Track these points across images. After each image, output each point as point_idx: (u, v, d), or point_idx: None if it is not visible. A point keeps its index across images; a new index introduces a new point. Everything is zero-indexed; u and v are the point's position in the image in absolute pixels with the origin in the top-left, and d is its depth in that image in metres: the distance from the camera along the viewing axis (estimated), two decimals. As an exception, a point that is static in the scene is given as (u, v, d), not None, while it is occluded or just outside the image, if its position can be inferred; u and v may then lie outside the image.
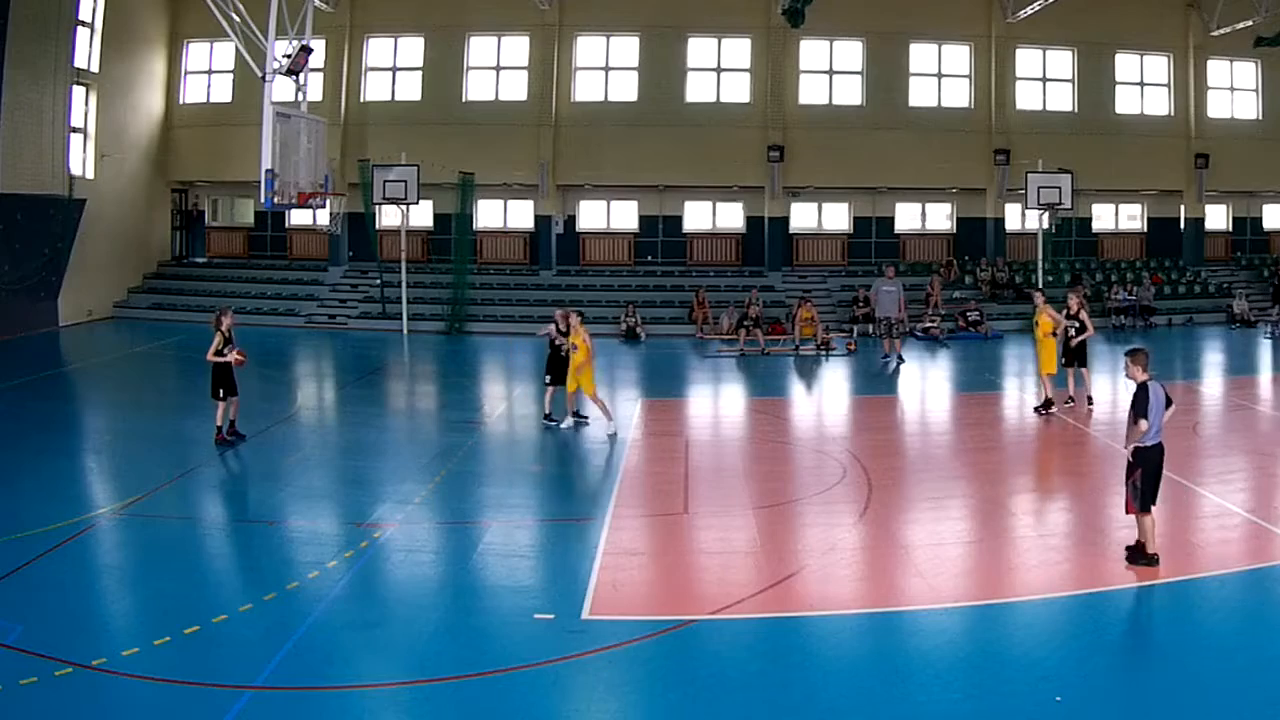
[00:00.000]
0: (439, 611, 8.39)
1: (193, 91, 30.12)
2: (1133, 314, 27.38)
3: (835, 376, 20.94)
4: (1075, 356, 15.92)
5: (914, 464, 13.46)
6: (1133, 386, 8.92)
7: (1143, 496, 8.74)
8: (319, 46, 22.51)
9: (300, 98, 18.43)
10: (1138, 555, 8.89)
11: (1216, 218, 31.92)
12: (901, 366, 21.20)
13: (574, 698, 6.93)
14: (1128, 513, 8.93)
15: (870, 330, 24.65)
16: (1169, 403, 8.91)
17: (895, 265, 25.60)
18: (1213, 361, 23.23)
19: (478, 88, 29.57)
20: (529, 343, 25.22)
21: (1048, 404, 15.62)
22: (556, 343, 15.01)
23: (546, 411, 15.16)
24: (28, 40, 22.65)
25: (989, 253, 30.01)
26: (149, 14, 28.58)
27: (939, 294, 26.93)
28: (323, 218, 29.17)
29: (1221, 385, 19.66)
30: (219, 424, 13.55)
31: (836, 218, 31.23)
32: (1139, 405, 8.69)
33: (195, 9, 25.55)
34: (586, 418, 15.10)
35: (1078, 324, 15.80)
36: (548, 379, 15.17)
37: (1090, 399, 16.09)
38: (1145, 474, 8.73)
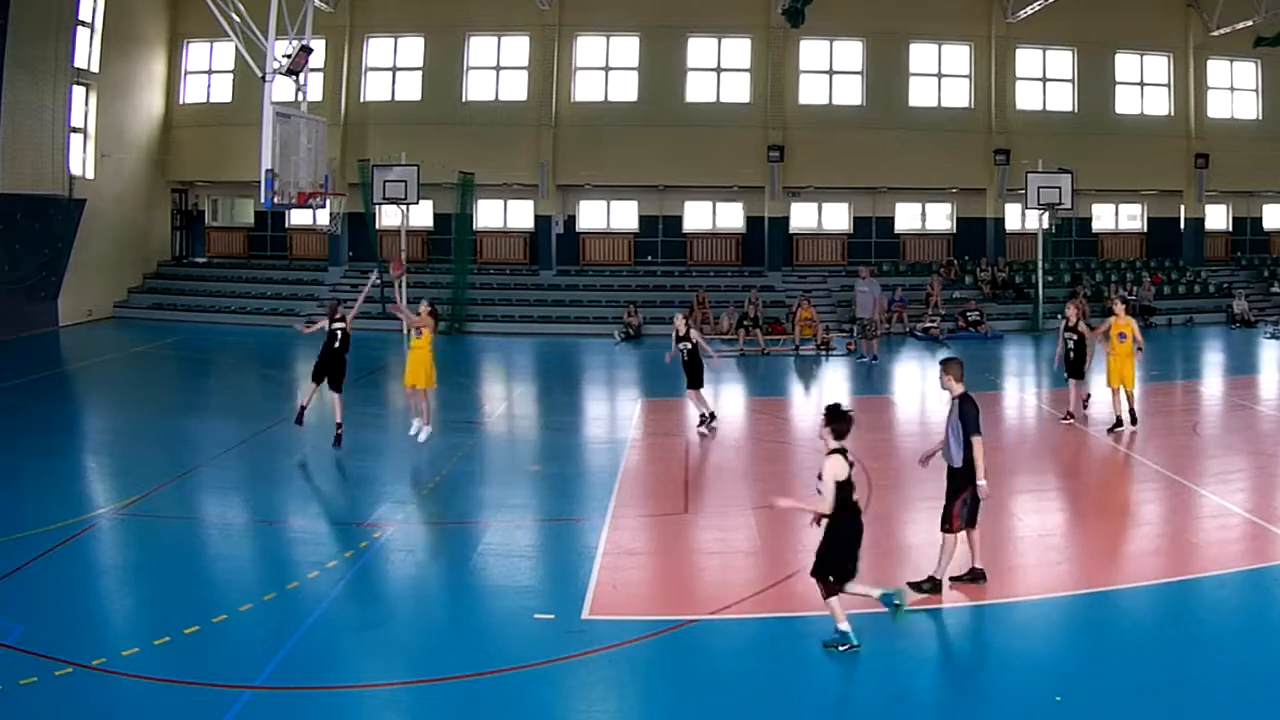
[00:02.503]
0: (439, 611, 8.40)
1: (193, 91, 30.11)
2: (1133, 314, 27.33)
3: (835, 377, 20.93)
4: (1073, 369, 14.96)
5: (914, 464, 13.39)
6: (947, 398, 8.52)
7: (969, 513, 8.37)
8: (319, 46, 22.49)
9: (300, 98, 18.42)
10: (973, 576, 8.55)
11: (1216, 218, 31.90)
12: (874, 366, 21.25)
13: (574, 698, 6.93)
14: (951, 530, 8.37)
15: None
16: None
17: (871, 266, 25.30)
18: (1213, 361, 23.24)
19: (478, 88, 29.56)
20: (527, 343, 25.23)
21: (1133, 418, 14.29)
22: (689, 345, 15.04)
23: (704, 413, 15.05)
24: (28, 40, 22.64)
25: (989, 253, 29.99)
26: (149, 14, 28.57)
27: (939, 294, 26.94)
28: (323, 218, 29.14)
29: (1221, 385, 19.66)
30: (339, 420, 13.52)
31: (836, 218, 31.22)
32: (972, 421, 8.20)
33: (195, 9, 25.53)
34: (713, 415, 15.09)
35: (1075, 336, 14.91)
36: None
37: (1071, 415, 15.07)
38: (974, 492, 8.35)
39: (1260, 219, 32.42)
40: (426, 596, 8.82)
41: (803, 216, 31.05)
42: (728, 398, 19.42)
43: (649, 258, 30.53)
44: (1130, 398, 14.29)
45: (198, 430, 15.06)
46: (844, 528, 7.42)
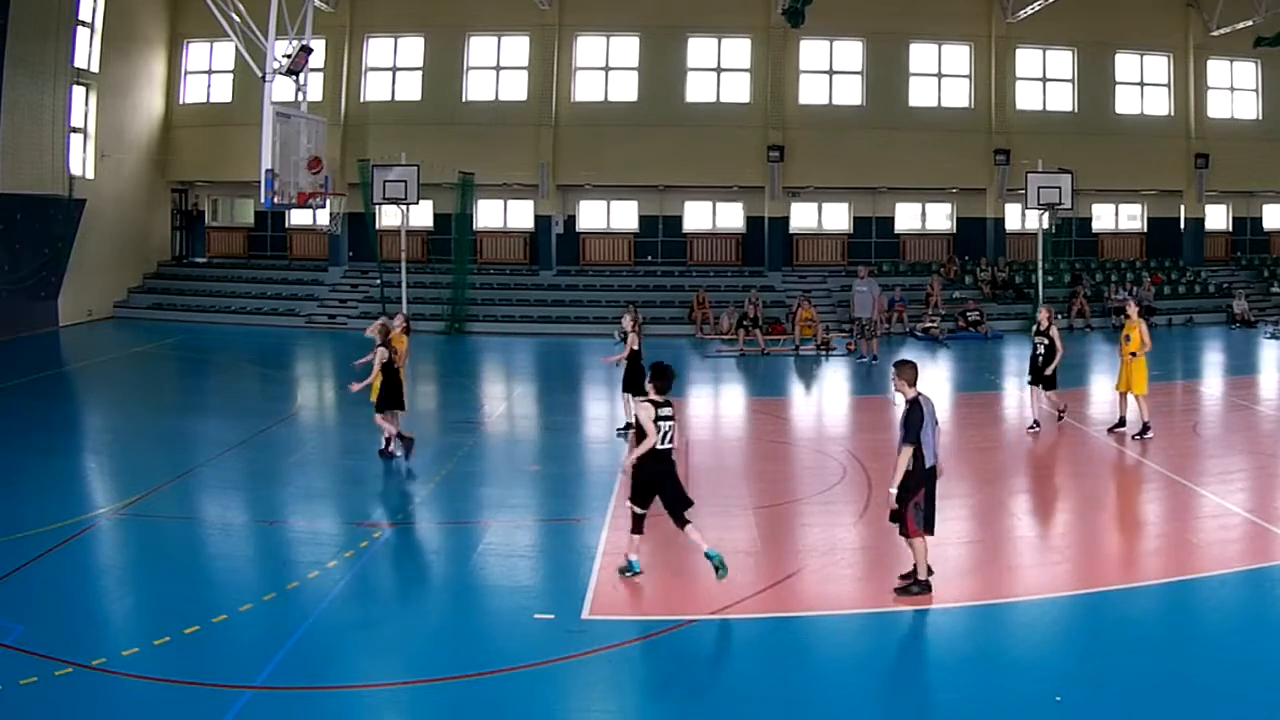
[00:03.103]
0: (439, 611, 8.41)
1: (193, 91, 30.11)
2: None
3: (835, 376, 20.93)
4: (1046, 379, 14.36)
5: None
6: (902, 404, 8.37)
7: (926, 518, 8.20)
8: (319, 46, 22.49)
9: (300, 98, 18.42)
10: (909, 585, 8.31)
11: (1216, 218, 31.90)
12: (873, 366, 21.23)
13: (574, 698, 6.93)
14: (909, 536, 8.22)
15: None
16: (935, 422, 8.31)
17: (870, 266, 25.28)
18: (1213, 361, 23.24)
19: (478, 88, 29.56)
20: (528, 343, 25.24)
21: (1145, 428, 13.75)
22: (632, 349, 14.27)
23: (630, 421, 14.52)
24: (28, 40, 22.64)
25: (989, 253, 29.99)
26: (149, 14, 28.58)
27: (939, 294, 26.95)
28: (323, 218, 29.15)
29: (1221, 385, 19.67)
30: (386, 436, 12.79)
31: (836, 218, 31.22)
32: (910, 427, 8.11)
33: (195, 9, 25.52)
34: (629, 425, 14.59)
35: (1046, 341, 14.28)
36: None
37: (1037, 423, 14.59)
38: (927, 495, 8.20)
39: (1260, 219, 32.41)
40: (426, 596, 8.83)
41: (803, 216, 31.05)
42: (728, 398, 19.45)
43: (649, 258, 30.53)
44: (1140, 405, 13.91)
45: (198, 430, 15.06)
46: (646, 467, 8.54)
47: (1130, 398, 14.07)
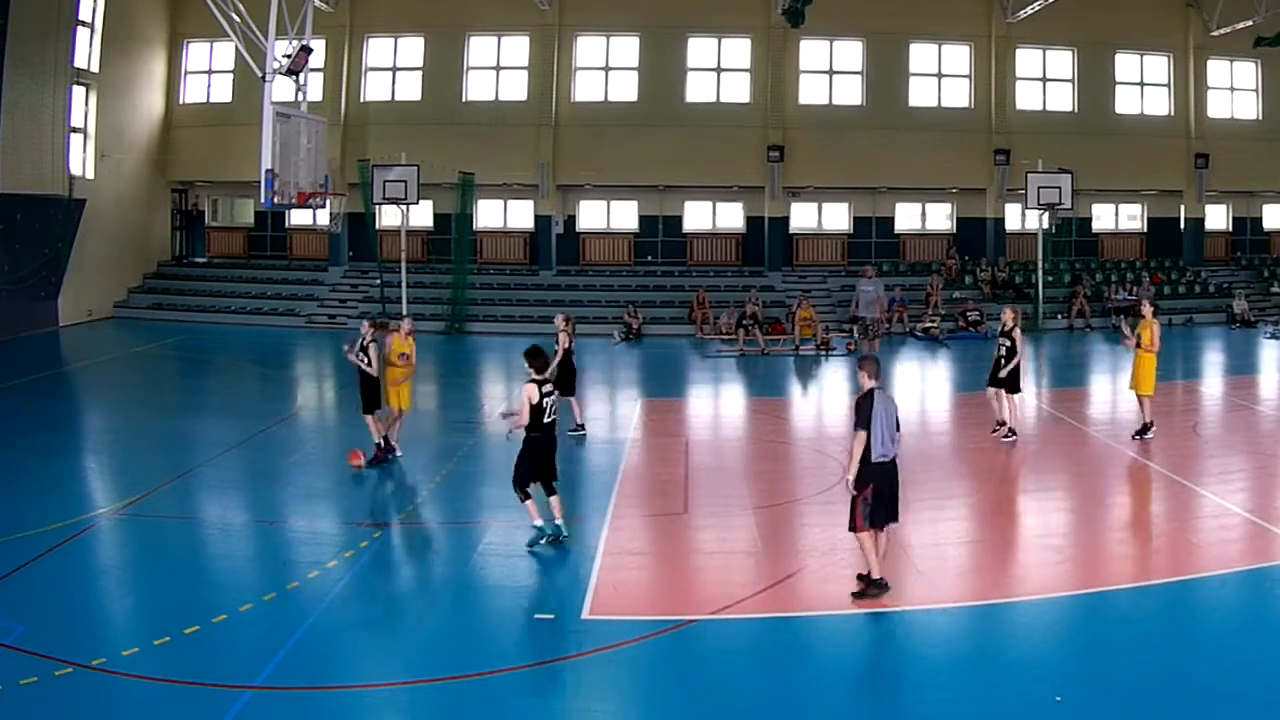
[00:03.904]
0: (439, 611, 8.41)
1: (193, 91, 30.10)
2: (1132, 314, 27.35)
3: (835, 376, 20.93)
4: (1003, 380, 14.11)
5: (914, 464, 13.39)
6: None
7: (873, 514, 8.16)
8: (319, 46, 22.48)
9: (300, 98, 18.41)
10: (865, 589, 8.29)
11: (1216, 218, 31.87)
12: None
13: (574, 698, 6.93)
14: (854, 530, 8.27)
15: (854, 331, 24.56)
16: (898, 423, 8.25)
17: (873, 265, 25.36)
18: (1213, 361, 23.23)
19: (478, 88, 29.56)
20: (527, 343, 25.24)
21: (1145, 429, 13.77)
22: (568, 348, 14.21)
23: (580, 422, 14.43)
24: (28, 40, 22.64)
25: (989, 253, 29.98)
26: (149, 14, 28.58)
27: (939, 294, 26.95)
28: (323, 217, 29.20)
29: (1221, 385, 19.67)
30: (377, 440, 12.79)
31: (836, 218, 31.21)
32: (863, 416, 8.09)
33: (195, 9, 25.52)
34: (581, 426, 14.48)
35: (1008, 343, 14.01)
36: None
37: (1011, 430, 14.08)
38: (876, 490, 8.13)
39: (1260, 219, 32.38)
40: (426, 596, 8.83)
41: (803, 216, 31.03)
42: (728, 398, 19.45)
43: (649, 258, 30.53)
44: (1144, 405, 13.82)
45: (198, 430, 15.06)
46: (534, 444, 9.39)
47: (1145, 399, 13.92)
